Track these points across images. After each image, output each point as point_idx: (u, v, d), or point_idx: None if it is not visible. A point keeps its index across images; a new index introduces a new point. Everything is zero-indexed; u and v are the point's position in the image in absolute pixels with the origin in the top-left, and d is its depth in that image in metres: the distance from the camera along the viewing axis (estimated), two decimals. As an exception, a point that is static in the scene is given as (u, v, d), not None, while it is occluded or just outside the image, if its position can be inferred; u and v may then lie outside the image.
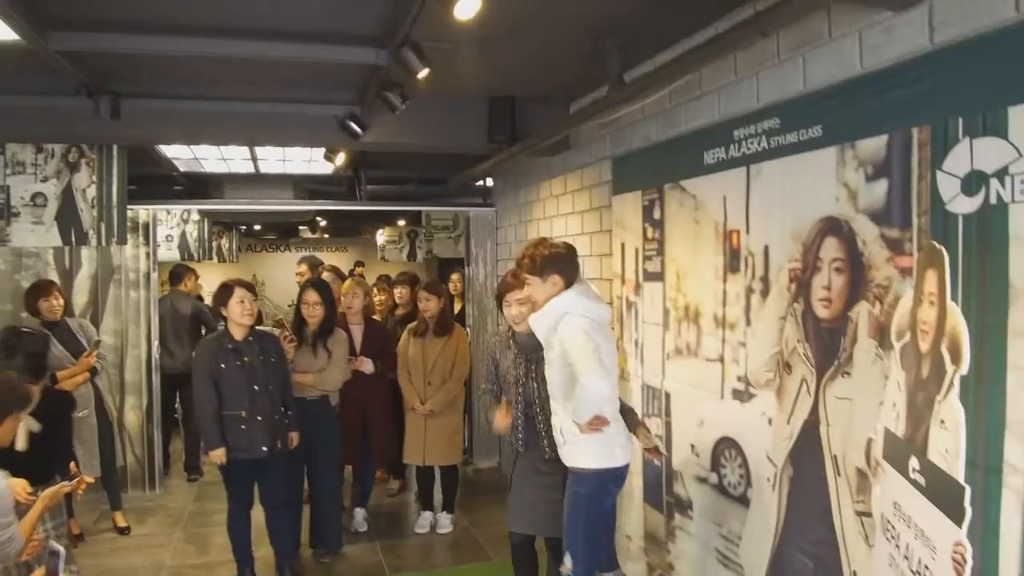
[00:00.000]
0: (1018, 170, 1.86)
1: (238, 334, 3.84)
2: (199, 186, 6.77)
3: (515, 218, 5.93)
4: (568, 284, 2.96)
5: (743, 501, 3.01)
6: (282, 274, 14.80)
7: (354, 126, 4.13)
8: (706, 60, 2.81)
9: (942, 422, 1.50)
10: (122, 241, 5.02)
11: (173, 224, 8.68)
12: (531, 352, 3.25)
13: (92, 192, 4.90)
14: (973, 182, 1.98)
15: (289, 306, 14.04)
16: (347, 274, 5.85)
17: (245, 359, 3.81)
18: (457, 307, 6.47)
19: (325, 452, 4.34)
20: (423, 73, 2.90)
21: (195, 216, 8.94)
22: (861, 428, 2.33)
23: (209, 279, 8.20)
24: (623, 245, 3.99)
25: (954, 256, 2.03)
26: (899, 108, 2.20)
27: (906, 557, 1.62)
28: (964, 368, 1.47)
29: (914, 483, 1.59)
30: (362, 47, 3.20)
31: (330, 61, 3.24)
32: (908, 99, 2.17)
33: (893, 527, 1.72)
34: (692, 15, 3.04)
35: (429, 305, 4.82)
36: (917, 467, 1.60)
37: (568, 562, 3.00)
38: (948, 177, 2.05)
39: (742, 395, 2.99)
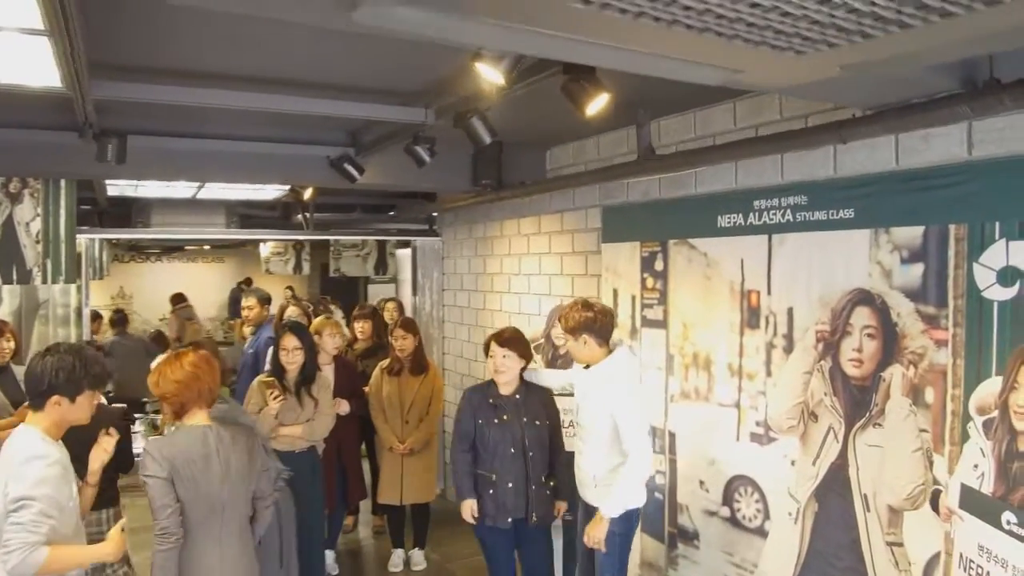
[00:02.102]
0: (1051, 270, 2.31)
1: None
2: (118, 208, 6.27)
3: (469, 251, 6.05)
4: (600, 343, 3.22)
5: (760, 533, 3.36)
6: (150, 286, 13.83)
7: (352, 169, 4.11)
8: (750, 153, 3.12)
9: (1050, 488, 1.90)
10: (70, 280, 4.59)
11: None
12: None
13: (37, 226, 4.44)
14: (1009, 276, 2.42)
15: (161, 320, 13.17)
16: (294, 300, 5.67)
17: None
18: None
19: (315, 510, 4.18)
20: (488, 140, 3.01)
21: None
22: (894, 472, 2.74)
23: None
24: (615, 291, 4.26)
25: (988, 336, 2.47)
26: (938, 205, 2.61)
27: (1001, 592, 2.01)
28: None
29: (1011, 533, 1.98)
30: (408, 107, 3.24)
31: (378, 118, 3.25)
32: (947, 199, 2.59)
33: (978, 565, 2.11)
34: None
35: (405, 344, 4.84)
36: (1014, 520, 1.98)
37: None
38: (984, 269, 2.49)
39: (761, 438, 3.34)
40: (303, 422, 4.05)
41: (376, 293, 11.52)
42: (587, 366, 3.31)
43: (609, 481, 3.21)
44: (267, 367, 4.76)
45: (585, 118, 2.42)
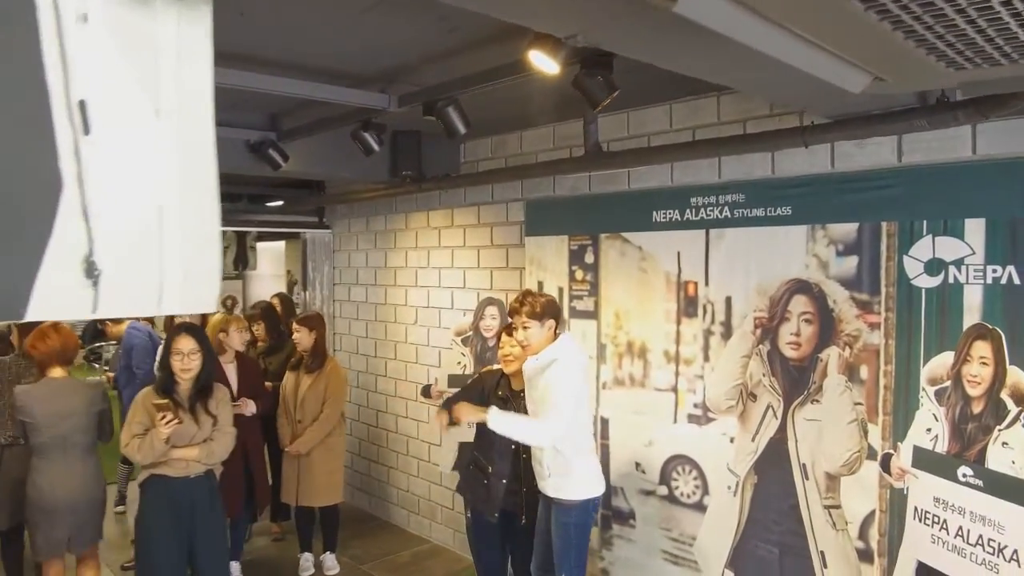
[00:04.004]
0: (971, 262, 2.71)
1: None
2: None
3: (366, 244, 5.88)
4: (558, 328, 3.30)
5: (698, 508, 3.61)
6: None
7: (276, 155, 3.86)
8: (698, 154, 3.33)
9: (1004, 444, 2.24)
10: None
11: None
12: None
13: None
14: (935, 266, 2.80)
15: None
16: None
17: None
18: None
19: (219, 538, 3.76)
20: (463, 130, 2.96)
21: None
22: (831, 442, 3.08)
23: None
24: (540, 283, 4.36)
25: (917, 319, 2.85)
26: (871, 204, 2.96)
27: (958, 535, 2.34)
28: (1034, 408, 2.22)
29: (967, 484, 2.32)
30: (370, 91, 3.11)
31: (334, 100, 3.08)
32: (879, 199, 2.94)
33: (934, 515, 2.44)
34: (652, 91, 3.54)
35: (300, 337, 4.65)
36: (970, 473, 2.32)
37: None
38: (913, 260, 2.86)
39: (699, 419, 3.59)
40: (200, 443, 3.54)
41: (224, 289, 10.81)
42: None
43: (562, 471, 3.28)
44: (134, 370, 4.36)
45: (594, 110, 2.47)
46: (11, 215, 0.57)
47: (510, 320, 3.37)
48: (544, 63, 2.06)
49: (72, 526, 3.68)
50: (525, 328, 3.25)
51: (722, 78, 2.30)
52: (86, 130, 0.59)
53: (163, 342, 3.78)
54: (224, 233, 9.18)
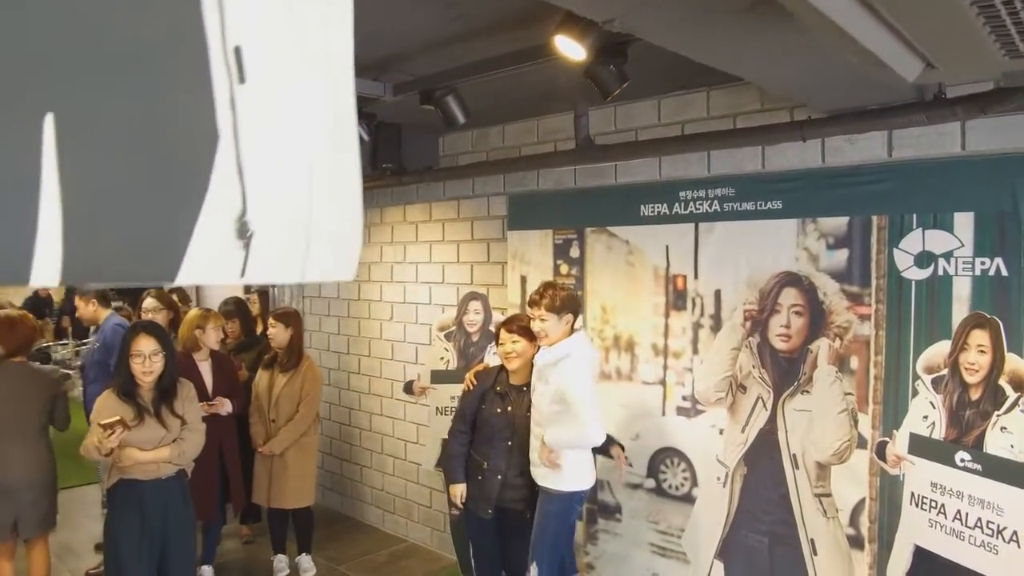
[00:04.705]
0: (960, 255, 2.79)
1: None
2: None
3: (338, 238, 5.76)
4: (574, 323, 3.27)
5: (687, 500, 3.63)
6: None
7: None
8: (693, 147, 3.34)
9: (1003, 428, 2.30)
10: None
11: None
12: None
13: None
14: (925, 259, 2.87)
15: None
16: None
17: None
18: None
19: (189, 540, 3.59)
20: (462, 120, 2.91)
21: None
22: (822, 432, 3.13)
23: None
24: (524, 277, 4.33)
25: (907, 310, 2.92)
26: (862, 199, 3.02)
27: (956, 518, 2.41)
28: (1033, 394, 2.29)
29: (965, 469, 2.38)
30: (363, 79, 3.04)
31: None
32: (870, 193, 3.00)
33: (932, 500, 2.50)
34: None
35: (276, 333, 4.52)
36: (968, 458, 2.38)
37: (534, 571, 3.30)
38: (903, 253, 2.93)
39: (688, 412, 3.61)
40: (170, 443, 3.36)
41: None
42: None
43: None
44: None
45: (605, 99, 2.45)
46: (169, 169, 0.52)
47: (531, 310, 3.30)
48: (571, 49, 2.03)
49: (18, 510, 3.67)
50: (543, 320, 3.22)
51: (747, 69, 2.30)
52: (241, 78, 0.54)
53: (121, 342, 3.56)
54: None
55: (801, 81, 2.39)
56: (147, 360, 3.28)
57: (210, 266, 0.53)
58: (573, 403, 3.13)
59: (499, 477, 3.36)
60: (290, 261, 0.59)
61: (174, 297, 5.25)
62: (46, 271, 0.48)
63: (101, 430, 3.13)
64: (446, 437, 4.24)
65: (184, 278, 0.52)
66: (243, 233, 0.55)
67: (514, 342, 3.36)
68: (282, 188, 0.58)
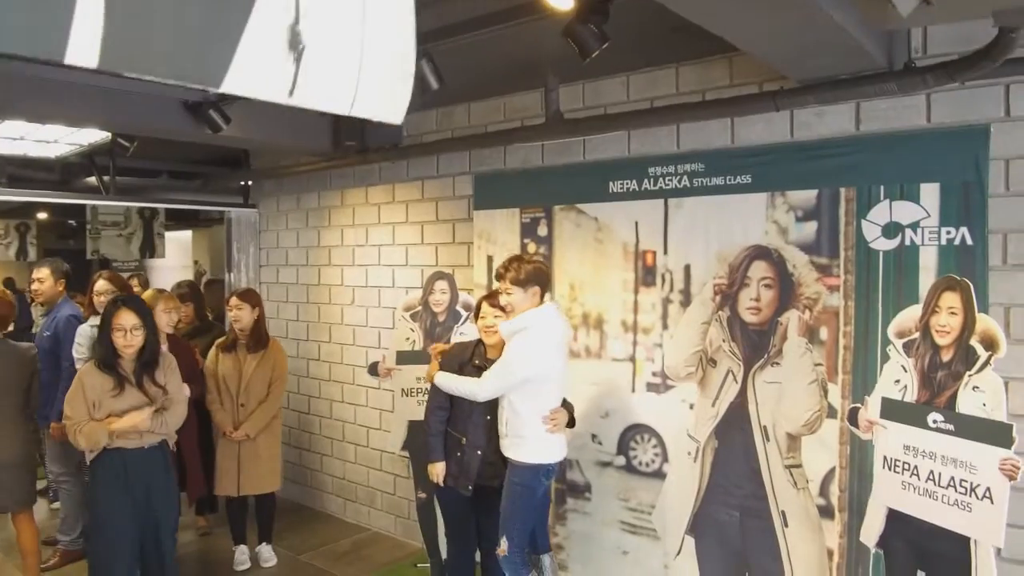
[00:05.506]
0: (927, 224, 2.85)
1: None
2: None
3: (297, 222, 5.62)
4: (543, 297, 3.23)
5: (658, 476, 3.63)
6: None
7: (217, 117, 3.60)
8: (692, 117, 3.33)
9: (975, 388, 2.35)
10: None
11: None
12: None
13: None
14: (892, 230, 2.93)
15: None
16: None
17: None
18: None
19: (172, 511, 3.55)
20: (436, 86, 2.84)
21: None
22: (792, 403, 3.17)
23: None
24: (490, 257, 4.28)
25: (875, 280, 2.97)
26: (830, 171, 3.06)
27: (930, 479, 2.44)
28: (1002, 352, 2.33)
29: (938, 430, 2.42)
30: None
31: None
32: (838, 166, 3.04)
33: (905, 462, 2.53)
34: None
35: (241, 315, 4.40)
36: (941, 419, 2.42)
37: (504, 545, 3.25)
38: (871, 224, 2.98)
39: (658, 387, 3.61)
40: (153, 410, 3.37)
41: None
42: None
43: (517, 432, 3.20)
44: (80, 353, 4.00)
45: (584, 61, 2.41)
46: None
47: (498, 283, 3.26)
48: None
49: None
50: (508, 294, 3.17)
51: (734, 26, 2.26)
52: None
53: (100, 316, 3.45)
54: (131, 218, 8.62)
55: (790, 42, 2.36)
56: (128, 334, 3.31)
57: (259, 78, 0.47)
58: (497, 362, 3.12)
59: (479, 453, 3.30)
60: (341, 88, 0.54)
61: (133, 282, 5.05)
62: (83, 51, 0.41)
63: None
64: (412, 419, 4.18)
65: (230, 85, 0.46)
66: (295, 44, 0.49)
67: (496, 316, 3.31)
68: (338, 8, 0.52)
